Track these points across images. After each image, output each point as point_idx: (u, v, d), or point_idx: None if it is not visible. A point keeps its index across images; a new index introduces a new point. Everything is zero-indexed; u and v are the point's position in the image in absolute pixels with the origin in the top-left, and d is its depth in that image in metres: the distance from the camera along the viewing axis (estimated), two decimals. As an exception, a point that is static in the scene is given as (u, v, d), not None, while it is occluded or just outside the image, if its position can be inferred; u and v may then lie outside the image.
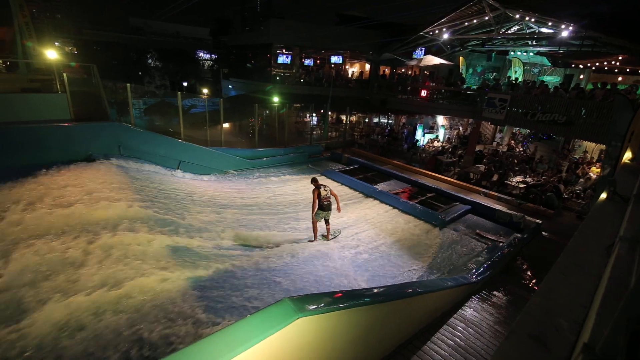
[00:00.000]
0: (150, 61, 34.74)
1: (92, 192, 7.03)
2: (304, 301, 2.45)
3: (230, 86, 24.83)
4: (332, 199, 7.44)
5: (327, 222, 7.58)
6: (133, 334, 3.88)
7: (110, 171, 8.52)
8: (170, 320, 4.17)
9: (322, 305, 2.55)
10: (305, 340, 2.50)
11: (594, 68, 16.99)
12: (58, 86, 9.39)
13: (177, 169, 10.89)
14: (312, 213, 7.31)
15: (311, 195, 7.33)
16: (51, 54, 11.98)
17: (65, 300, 4.15)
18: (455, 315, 4.92)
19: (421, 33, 16.95)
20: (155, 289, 4.70)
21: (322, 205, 7.22)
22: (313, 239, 7.50)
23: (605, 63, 15.77)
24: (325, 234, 7.70)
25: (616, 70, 16.20)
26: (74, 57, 29.12)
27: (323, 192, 7.21)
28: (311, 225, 7.52)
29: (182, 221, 7.08)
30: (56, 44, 28.08)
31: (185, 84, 33.10)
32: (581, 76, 18.16)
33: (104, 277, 4.71)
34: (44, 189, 6.87)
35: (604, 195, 3.49)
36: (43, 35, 21.22)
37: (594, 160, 13.20)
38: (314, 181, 7.40)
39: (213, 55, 35.59)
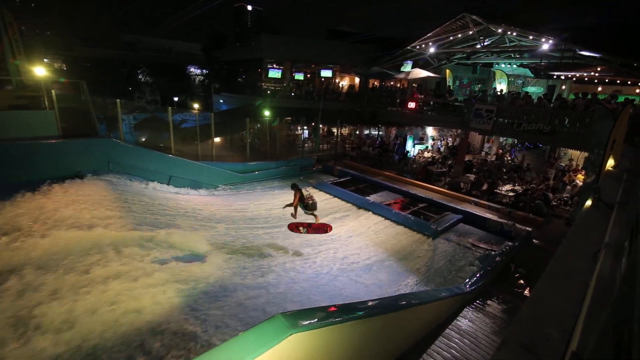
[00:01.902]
0: (141, 77, 34.73)
1: (79, 210, 6.90)
2: (297, 317, 2.42)
3: (221, 101, 24.93)
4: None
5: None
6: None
7: (99, 188, 8.39)
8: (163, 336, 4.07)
9: (316, 320, 2.52)
10: (298, 356, 2.45)
11: (574, 79, 17.64)
12: (46, 103, 9.30)
13: (168, 184, 10.78)
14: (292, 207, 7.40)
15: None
16: (40, 70, 11.90)
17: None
18: (450, 326, 4.89)
19: (408, 47, 17.40)
20: (147, 308, 4.59)
21: (308, 205, 7.38)
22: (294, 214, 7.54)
23: (585, 74, 16.40)
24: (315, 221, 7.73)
25: (596, 81, 16.85)
26: (63, 74, 28.93)
27: (305, 193, 7.43)
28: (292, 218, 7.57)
29: (172, 238, 6.97)
30: (45, 60, 27.95)
31: (176, 99, 33.10)
32: (563, 87, 18.79)
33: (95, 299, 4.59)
34: (28, 208, 6.73)
35: (589, 203, 3.58)
36: (32, 52, 21.11)
37: (580, 168, 13.51)
38: (294, 186, 7.52)
39: (204, 71, 35.81)
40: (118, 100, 10.70)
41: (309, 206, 7.45)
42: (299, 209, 7.48)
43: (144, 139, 13.27)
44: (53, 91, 9.28)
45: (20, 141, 8.34)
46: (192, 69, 37.43)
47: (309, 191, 7.67)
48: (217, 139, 14.14)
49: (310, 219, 7.76)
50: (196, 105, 26.45)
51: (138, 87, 33.95)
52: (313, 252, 7.69)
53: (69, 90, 12.80)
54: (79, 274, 5.04)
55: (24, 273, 4.85)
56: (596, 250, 2.31)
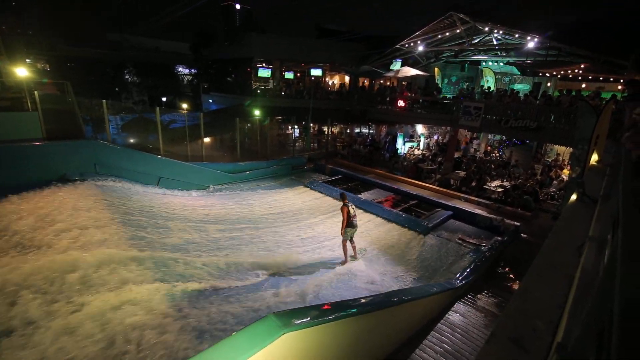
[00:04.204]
0: (127, 77, 34.09)
1: (65, 217, 6.76)
2: (289, 316, 2.41)
3: (210, 100, 24.70)
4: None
5: (351, 240, 7.37)
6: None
7: (86, 192, 8.23)
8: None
9: (308, 319, 2.52)
10: (291, 356, 2.46)
11: (559, 76, 18.01)
12: (29, 104, 9.06)
13: (157, 185, 10.63)
14: (342, 231, 7.10)
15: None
16: (22, 71, 11.58)
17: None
18: (441, 321, 4.97)
19: (397, 46, 17.52)
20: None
21: (351, 223, 7.11)
22: (344, 260, 7.28)
23: (570, 71, 16.76)
24: (353, 253, 7.46)
25: (579, 78, 17.24)
26: (47, 74, 28.17)
27: (351, 211, 7.10)
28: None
29: (166, 240, 6.88)
30: (27, 60, 27.21)
31: (164, 99, 32.62)
32: (548, 84, 19.18)
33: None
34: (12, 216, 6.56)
35: (574, 197, 3.66)
36: (13, 52, 20.53)
37: (566, 163, 13.82)
38: (343, 197, 7.26)
39: (193, 70, 35.37)
40: (104, 101, 10.50)
41: (353, 224, 7.08)
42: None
43: (132, 140, 13.06)
44: (36, 92, 9.05)
45: (1, 144, 8.11)
46: (180, 69, 36.94)
47: (354, 208, 7.21)
48: (206, 139, 14.00)
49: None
50: (185, 106, 26.10)
51: (125, 88, 33.32)
52: (306, 250, 7.69)
53: (54, 91, 12.53)
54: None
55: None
56: (581, 244, 2.37)
